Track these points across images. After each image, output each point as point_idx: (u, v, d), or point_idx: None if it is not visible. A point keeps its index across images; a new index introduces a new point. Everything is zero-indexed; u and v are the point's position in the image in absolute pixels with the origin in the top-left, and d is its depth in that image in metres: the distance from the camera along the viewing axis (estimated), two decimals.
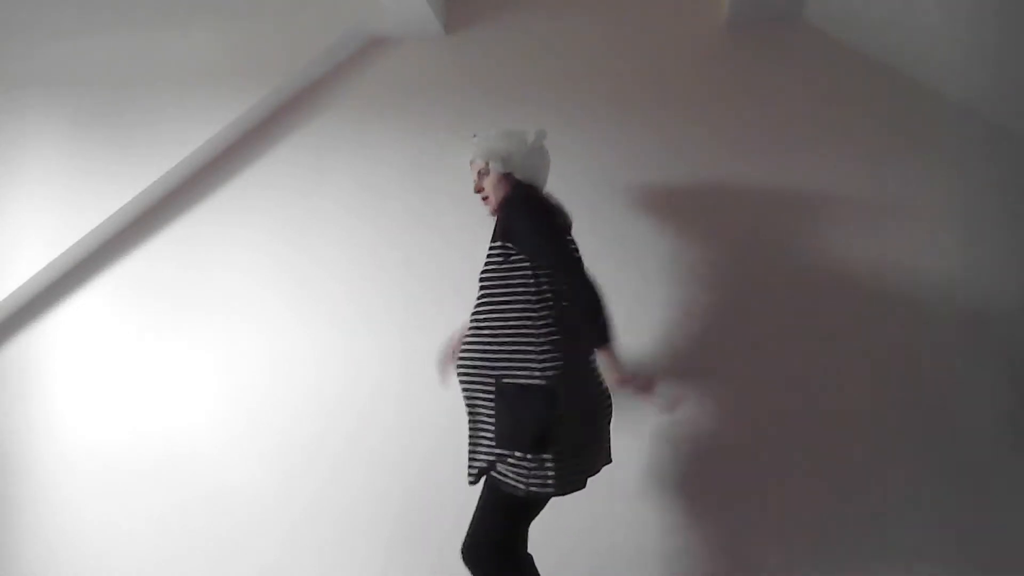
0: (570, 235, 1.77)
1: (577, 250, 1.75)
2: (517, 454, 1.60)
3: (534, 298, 1.67)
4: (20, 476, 2.52)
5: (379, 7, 2.34)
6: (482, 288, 1.75)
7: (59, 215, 2.47)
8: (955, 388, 2.09)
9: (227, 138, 2.50)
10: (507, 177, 1.83)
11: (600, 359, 1.69)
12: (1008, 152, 2.13)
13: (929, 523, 2.06)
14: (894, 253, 2.16)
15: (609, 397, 1.77)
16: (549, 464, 1.58)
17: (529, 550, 1.71)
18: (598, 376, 1.75)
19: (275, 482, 2.39)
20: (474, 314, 1.76)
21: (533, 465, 1.58)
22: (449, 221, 2.39)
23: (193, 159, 2.48)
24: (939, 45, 2.03)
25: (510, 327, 1.67)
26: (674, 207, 2.28)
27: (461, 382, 1.75)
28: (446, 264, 2.37)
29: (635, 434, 2.14)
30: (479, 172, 1.88)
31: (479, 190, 1.89)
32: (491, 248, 1.75)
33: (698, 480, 2.17)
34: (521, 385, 1.63)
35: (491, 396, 1.67)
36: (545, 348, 1.64)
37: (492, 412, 1.67)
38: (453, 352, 1.93)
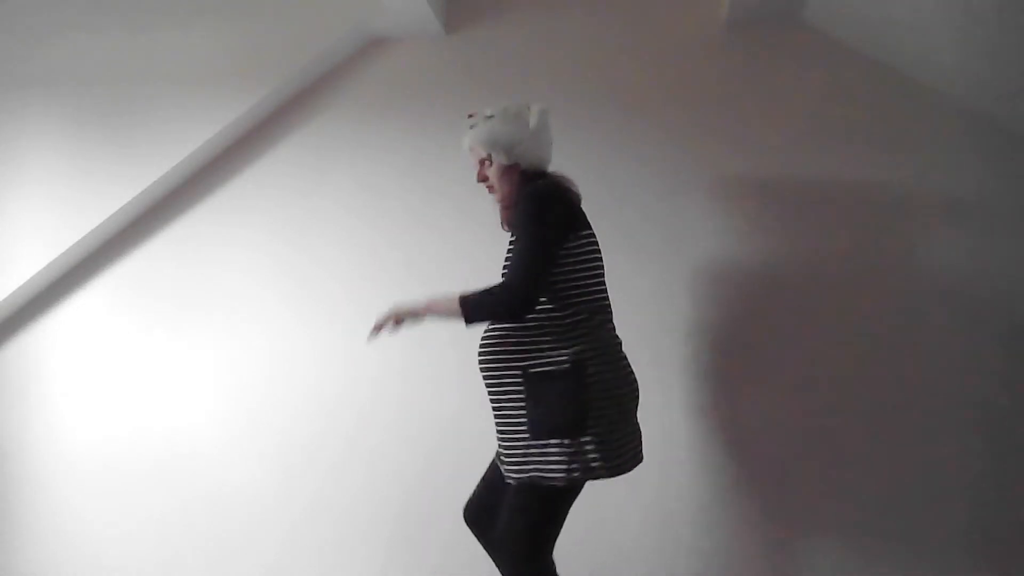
0: (586, 228, 1.70)
1: (594, 246, 1.71)
2: (554, 441, 1.57)
3: (555, 286, 1.63)
4: (20, 476, 2.52)
5: (379, 7, 2.34)
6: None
7: (59, 215, 2.46)
8: (955, 387, 2.09)
9: (227, 138, 2.50)
10: (512, 168, 1.74)
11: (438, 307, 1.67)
12: (1008, 152, 2.13)
13: (929, 522, 2.06)
14: (894, 252, 2.16)
15: (637, 389, 1.73)
16: (589, 447, 1.55)
17: None
18: (626, 361, 1.71)
19: (275, 482, 2.39)
20: None
21: (573, 450, 1.55)
22: (449, 221, 2.39)
23: (193, 159, 2.48)
24: (939, 45, 2.03)
25: (536, 316, 1.63)
26: (674, 207, 2.28)
27: (486, 378, 1.71)
28: (446, 264, 2.37)
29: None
30: (481, 161, 1.79)
31: (483, 179, 1.80)
32: (511, 243, 1.71)
33: (699, 480, 2.17)
34: (548, 372, 1.60)
35: (517, 389, 1.63)
36: (569, 331, 1.61)
37: (523, 406, 1.63)
38: (393, 315, 1.76)
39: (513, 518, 1.63)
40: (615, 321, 1.82)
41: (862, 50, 2.23)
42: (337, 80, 2.52)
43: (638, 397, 1.72)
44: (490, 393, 1.71)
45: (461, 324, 1.63)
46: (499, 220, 1.81)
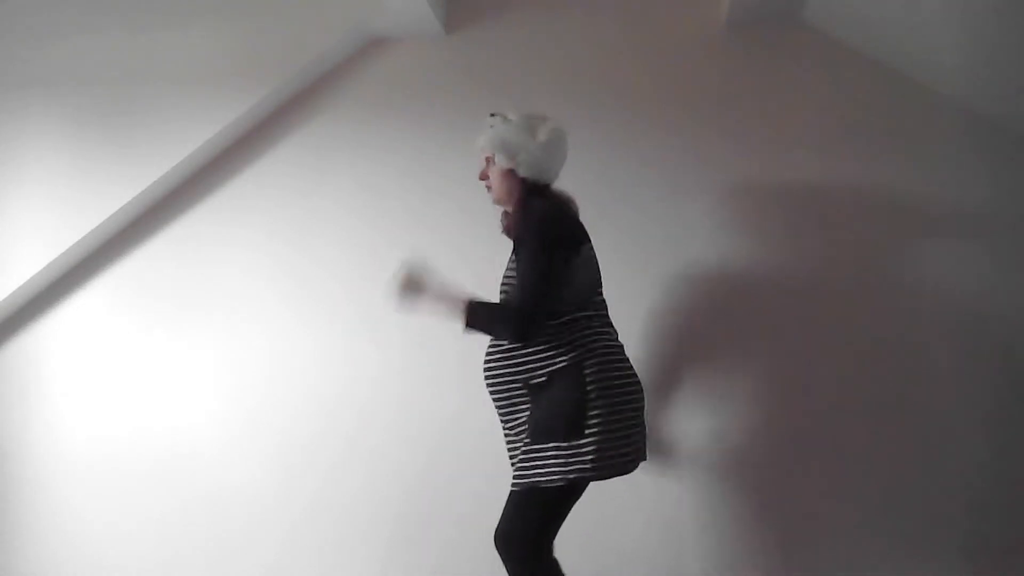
0: (586, 241, 1.74)
1: (593, 259, 1.75)
2: (551, 445, 1.60)
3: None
4: (20, 476, 2.52)
5: (379, 7, 2.34)
6: (503, 292, 1.75)
7: (59, 215, 2.46)
8: (955, 387, 2.09)
9: (227, 138, 2.50)
10: (511, 173, 1.78)
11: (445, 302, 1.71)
12: (1008, 152, 2.13)
13: (929, 524, 2.06)
14: (893, 252, 2.16)
15: (641, 389, 1.75)
16: (586, 448, 1.58)
17: None
18: (626, 364, 1.74)
19: (275, 482, 2.39)
20: None
21: (570, 453, 1.58)
22: (449, 221, 2.39)
23: (193, 159, 2.48)
24: (939, 45, 2.03)
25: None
26: (674, 207, 2.28)
27: (493, 393, 1.75)
28: (445, 265, 2.36)
29: None
30: (487, 159, 1.83)
31: (484, 177, 1.85)
32: (511, 261, 1.76)
33: (700, 480, 2.17)
34: (550, 374, 1.64)
35: (522, 401, 1.68)
36: (565, 339, 1.64)
37: (524, 416, 1.68)
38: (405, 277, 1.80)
39: (515, 522, 1.65)
40: (616, 323, 1.83)
41: (862, 50, 2.23)
42: (337, 80, 2.52)
43: (641, 399, 1.74)
44: (498, 407, 1.75)
45: (457, 325, 1.66)
46: (499, 222, 1.85)
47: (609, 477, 1.63)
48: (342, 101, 2.51)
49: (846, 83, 2.23)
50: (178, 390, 2.48)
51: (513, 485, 1.67)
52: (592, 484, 1.68)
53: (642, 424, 1.76)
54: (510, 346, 1.69)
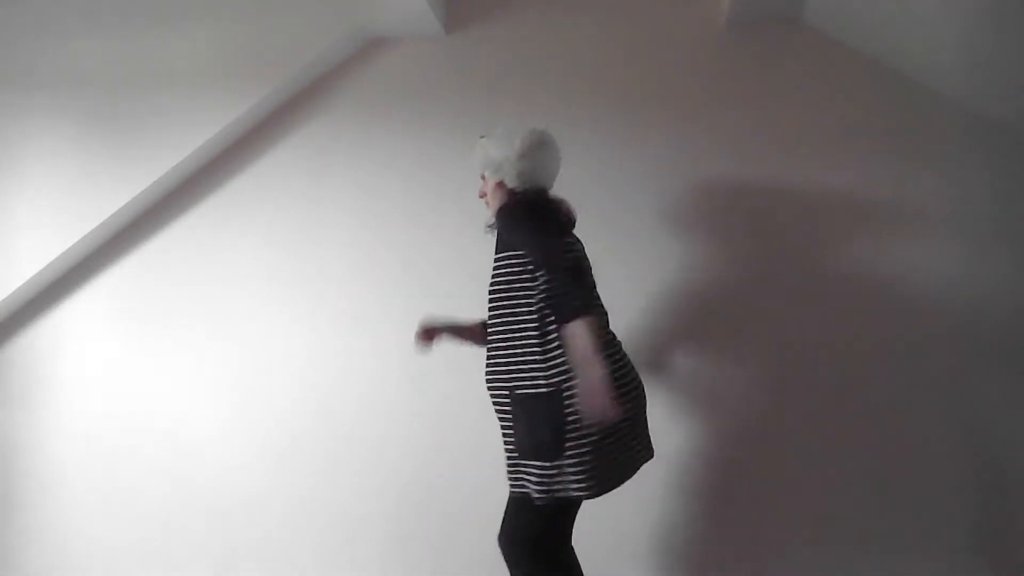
0: (571, 237, 1.74)
1: (579, 251, 1.74)
2: (535, 463, 1.60)
3: (537, 306, 1.65)
4: (20, 476, 2.52)
5: (379, 7, 2.34)
6: (491, 301, 1.75)
7: (60, 215, 2.46)
8: (955, 388, 2.09)
9: (228, 137, 2.50)
10: (501, 185, 1.80)
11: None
12: (1008, 151, 2.13)
13: (928, 525, 2.06)
14: (893, 252, 2.16)
15: (640, 390, 1.74)
16: (570, 470, 1.57)
17: None
18: (626, 370, 1.71)
19: (274, 480, 2.39)
20: (489, 327, 1.76)
21: (553, 472, 1.58)
22: (448, 222, 2.39)
23: (193, 159, 2.48)
24: (939, 45, 2.03)
25: (520, 337, 1.67)
26: (675, 206, 2.28)
27: (489, 394, 1.77)
28: (445, 265, 2.37)
29: None
30: (482, 177, 1.87)
31: (483, 195, 1.87)
32: (496, 260, 1.75)
33: (698, 482, 2.17)
34: (531, 394, 1.63)
35: (508, 408, 1.69)
36: (551, 355, 1.62)
37: (510, 425, 1.68)
38: (425, 331, 1.89)
39: (512, 525, 1.66)
40: (613, 323, 1.82)
41: (862, 50, 2.23)
42: (337, 80, 2.52)
43: (638, 403, 1.73)
44: (496, 410, 1.76)
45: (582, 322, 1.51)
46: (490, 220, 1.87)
47: (598, 495, 1.60)
48: (342, 101, 2.51)
49: (846, 83, 2.23)
50: (178, 388, 2.48)
51: (510, 489, 1.69)
52: None
53: (639, 433, 1.74)
54: (502, 353, 1.69)
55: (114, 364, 2.53)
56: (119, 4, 2.48)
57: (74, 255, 2.52)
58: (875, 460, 2.10)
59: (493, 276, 1.75)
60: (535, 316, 1.65)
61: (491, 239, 1.93)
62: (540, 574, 1.62)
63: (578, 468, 1.57)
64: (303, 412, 2.40)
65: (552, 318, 1.63)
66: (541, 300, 1.65)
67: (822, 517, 2.11)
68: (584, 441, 1.58)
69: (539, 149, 1.78)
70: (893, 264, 2.16)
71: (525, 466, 1.63)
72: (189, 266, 2.52)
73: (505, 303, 1.71)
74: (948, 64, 2.08)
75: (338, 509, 2.35)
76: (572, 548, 1.70)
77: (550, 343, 1.63)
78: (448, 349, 2.30)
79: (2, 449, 2.54)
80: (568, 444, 1.57)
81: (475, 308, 2.12)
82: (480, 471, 2.19)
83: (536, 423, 1.61)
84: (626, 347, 1.80)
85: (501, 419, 1.73)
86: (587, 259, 1.77)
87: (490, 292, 1.76)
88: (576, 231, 1.79)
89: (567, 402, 1.59)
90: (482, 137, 1.85)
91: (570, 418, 1.58)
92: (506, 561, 1.66)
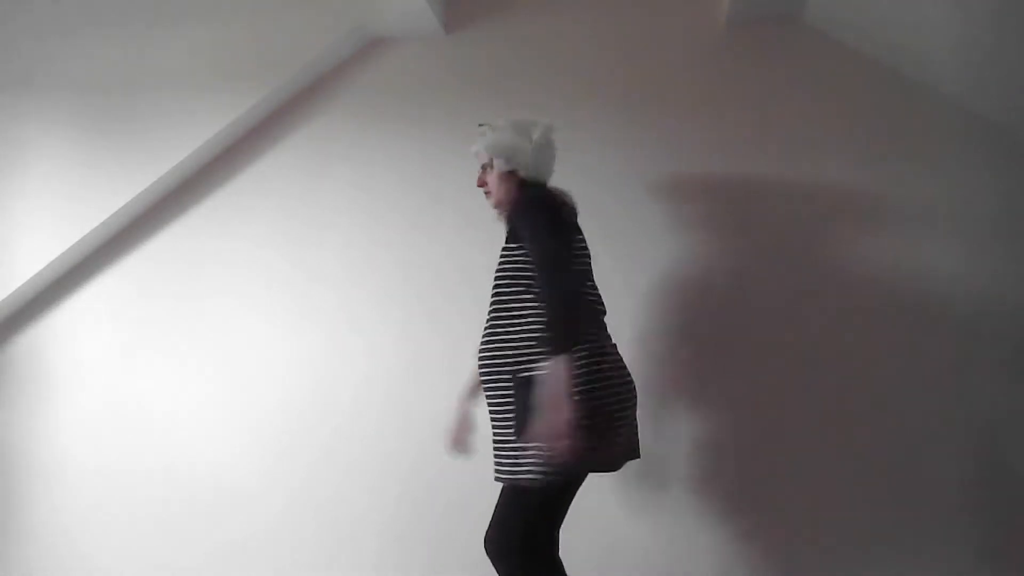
0: (578, 232, 1.75)
1: (585, 249, 1.76)
2: (533, 444, 1.58)
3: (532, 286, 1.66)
4: (20, 476, 2.52)
5: (379, 7, 2.34)
6: (495, 287, 1.75)
7: (59, 215, 2.47)
8: (955, 388, 2.09)
9: (227, 138, 2.50)
10: (511, 175, 1.80)
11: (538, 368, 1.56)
12: (1008, 152, 2.13)
13: (926, 526, 2.06)
14: (894, 252, 2.16)
15: (632, 387, 1.73)
16: (577, 448, 1.55)
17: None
18: (619, 365, 1.71)
19: (273, 480, 2.39)
20: (489, 313, 1.76)
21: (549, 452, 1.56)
22: (447, 222, 2.39)
23: (193, 159, 2.48)
24: (939, 45, 2.03)
25: (525, 322, 1.66)
26: (674, 207, 2.28)
27: (482, 382, 1.75)
28: (443, 266, 2.37)
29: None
30: (483, 166, 1.85)
31: (482, 184, 1.86)
32: (504, 249, 1.75)
33: (694, 481, 2.17)
34: (534, 376, 1.61)
35: (508, 393, 1.66)
36: None
37: (510, 409, 1.65)
38: (456, 435, 1.94)
39: (503, 515, 1.64)
40: (611, 322, 1.82)
41: (862, 50, 2.23)
42: (337, 80, 2.52)
43: (629, 395, 1.71)
44: (486, 396, 1.74)
45: (562, 359, 1.51)
46: (495, 216, 1.87)
47: (593, 472, 1.61)
48: (342, 101, 2.51)
49: (846, 83, 2.23)
50: (177, 388, 2.48)
51: (496, 478, 1.67)
52: (592, 484, 1.67)
53: (630, 421, 1.73)
54: (506, 337, 1.68)
55: (113, 364, 2.53)
56: (119, 4, 2.49)
57: (74, 255, 2.52)
58: (876, 460, 2.10)
59: (501, 263, 1.74)
60: (526, 300, 1.66)
61: (490, 239, 1.94)
62: (532, 570, 1.60)
63: (586, 441, 1.56)
64: (300, 411, 2.40)
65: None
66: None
67: (822, 517, 2.10)
68: (584, 420, 1.56)
69: (551, 143, 1.84)
70: (893, 264, 2.16)
71: (522, 449, 1.61)
72: (188, 266, 2.52)
73: (509, 289, 1.70)
74: (948, 64, 2.07)
75: (335, 508, 2.35)
76: (559, 560, 1.66)
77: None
78: (444, 350, 2.30)
79: (1, 449, 2.55)
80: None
81: (473, 308, 2.12)
82: (476, 469, 2.18)
83: (537, 404, 1.58)
84: (620, 346, 1.80)
85: (495, 405, 1.70)
86: (588, 253, 1.78)
87: (496, 279, 1.75)
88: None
89: (572, 382, 1.56)
90: (482, 126, 1.85)
91: (575, 397, 1.56)
92: (495, 562, 1.63)
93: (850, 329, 2.15)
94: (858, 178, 2.19)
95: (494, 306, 1.74)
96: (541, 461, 1.57)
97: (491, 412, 1.73)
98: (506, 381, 1.67)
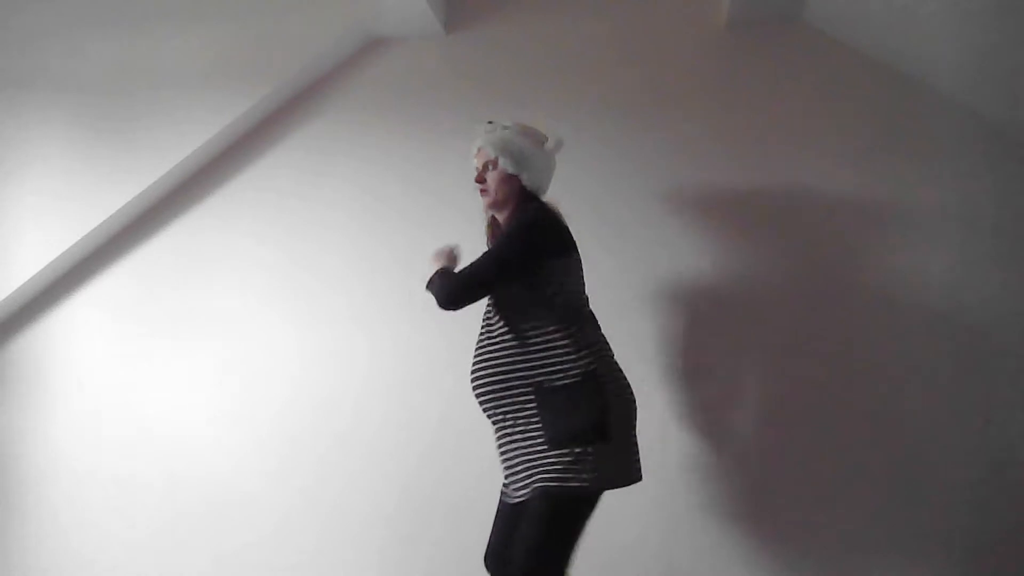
0: (575, 252, 1.75)
1: (579, 265, 1.76)
2: (577, 450, 1.57)
3: (548, 298, 1.67)
4: (19, 479, 2.52)
5: (379, 7, 2.34)
6: (499, 305, 1.74)
7: (59, 216, 2.47)
8: (955, 390, 2.09)
9: (228, 137, 2.50)
10: (513, 180, 1.76)
11: None
12: (1008, 152, 2.12)
13: (924, 529, 2.06)
14: (894, 253, 2.16)
15: (629, 399, 1.73)
16: (613, 452, 1.60)
17: None
18: (616, 377, 1.72)
19: (272, 481, 2.39)
20: (488, 325, 1.75)
21: (593, 456, 1.57)
22: (448, 223, 2.38)
23: (194, 159, 2.48)
24: (940, 45, 2.03)
25: (542, 334, 1.65)
26: (674, 207, 2.28)
27: (487, 396, 1.71)
28: None
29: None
30: (486, 163, 1.79)
31: (480, 180, 1.81)
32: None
33: (693, 486, 2.17)
34: (564, 384, 1.62)
35: (529, 405, 1.64)
36: (577, 344, 1.64)
37: (537, 420, 1.63)
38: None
39: (528, 532, 1.58)
40: (608, 327, 1.83)
41: (862, 50, 2.23)
42: (337, 80, 2.52)
43: (631, 416, 1.74)
44: (494, 411, 1.70)
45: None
46: (487, 231, 1.89)
47: (626, 484, 1.65)
48: (342, 101, 2.51)
49: (846, 83, 2.23)
50: (177, 388, 2.48)
51: (518, 497, 1.64)
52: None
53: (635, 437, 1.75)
54: (520, 352, 1.66)
55: (113, 364, 2.52)
56: (119, 4, 2.49)
57: (74, 255, 2.52)
58: (876, 461, 2.10)
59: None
60: (558, 311, 1.67)
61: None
62: None
63: (618, 454, 1.61)
64: (302, 413, 2.40)
65: (572, 312, 1.69)
66: (558, 293, 1.69)
67: (822, 518, 2.10)
68: (621, 423, 1.63)
69: (554, 158, 1.84)
70: (893, 264, 2.15)
71: (557, 456, 1.58)
72: (189, 266, 2.52)
73: (514, 299, 1.70)
74: (948, 64, 2.07)
75: (336, 510, 2.34)
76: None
77: (576, 331, 1.66)
78: (447, 350, 2.30)
79: (1, 449, 2.54)
80: (611, 426, 1.60)
81: (474, 308, 2.11)
82: (480, 472, 2.18)
83: (575, 412, 1.60)
84: (620, 351, 1.79)
85: (510, 418, 1.67)
86: (581, 274, 1.78)
87: (499, 295, 1.74)
88: (574, 231, 1.79)
89: (607, 387, 1.63)
90: (490, 123, 1.82)
91: (611, 402, 1.62)
92: None
93: (849, 329, 2.15)
94: (858, 177, 2.19)
95: (495, 318, 1.73)
96: (587, 466, 1.56)
97: (504, 428, 1.69)
98: (527, 394, 1.64)
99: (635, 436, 1.71)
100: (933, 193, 2.15)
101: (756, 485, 2.14)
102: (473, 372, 1.75)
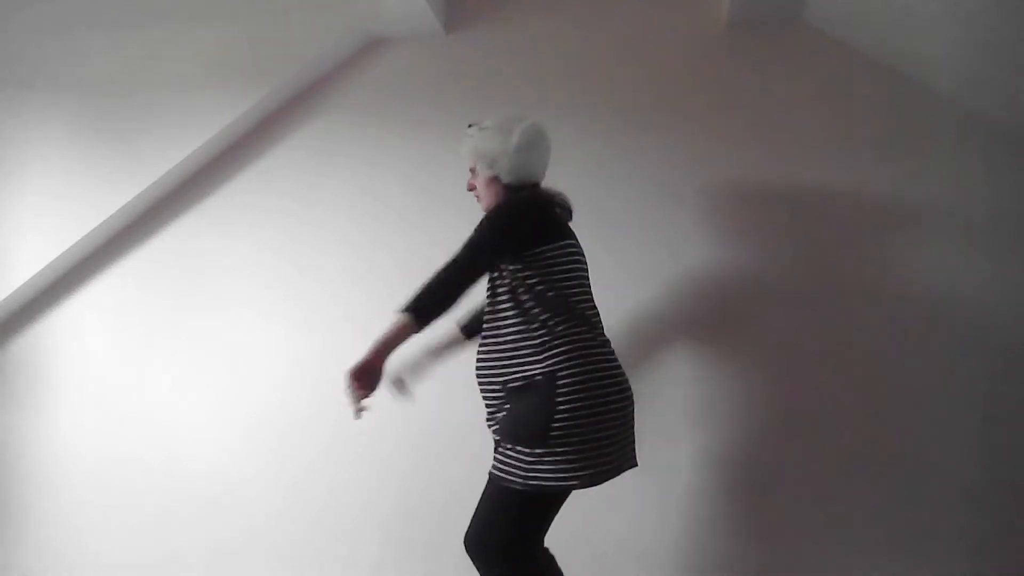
0: (567, 237, 1.72)
1: (575, 254, 1.72)
2: (512, 451, 1.59)
3: (524, 298, 1.65)
4: (19, 477, 2.52)
5: (379, 7, 2.34)
6: (486, 299, 1.75)
7: (59, 216, 2.47)
8: (954, 389, 2.09)
9: (228, 138, 2.50)
10: (494, 180, 1.77)
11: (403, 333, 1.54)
12: (1008, 151, 2.12)
13: (923, 527, 2.06)
14: (893, 252, 2.16)
15: (631, 393, 1.71)
16: (549, 460, 1.54)
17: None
18: (615, 370, 1.68)
19: (271, 481, 2.39)
20: (484, 319, 1.75)
21: (531, 460, 1.55)
22: (446, 223, 2.38)
23: (193, 159, 2.48)
24: (940, 45, 2.03)
25: (509, 333, 1.66)
26: (674, 207, 2.28)
27: (480, 390, 1.75)
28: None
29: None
30: (471, 169, 1.83)
31: (472, 188, 1.85)
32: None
33: (695, 481, 2.17)
34: (524, 385, 1.62)
35: (503, 401, 1.67)
36: (543, 343, 1.61)
37: (500, 415, 1.67)
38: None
39: (487, 511, 1.63)
40: (608, 325, 1.81)
41: (862, 50, 2.23)
42: (337, 80, 2.52)
43: (624, 408, 1.67)
44: (485, 405, 1.75)
45: (418, 334, 1.56)
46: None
47: (571, 490, 1.58)
48: (342, 101, 2.51)
49: (846, 83, 2.23)
50: (176, 388, 2.48)
51: (490, 472, 1.67)
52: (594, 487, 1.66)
53: (625, 434, 1.68)
54: (494, 349, 1.68)
55: (113, 364, 2.53)
56: (119, 4, 2.48)
57: (74, 255, 2.52)
58: (876, 461, 2.10)
59: (490, 275, 1.74)
60: (523, 310, 1.65)
61: None
62: (511, 570, 1.59)
63: (562, 459, 1.54)
64: (299, 410, 2.40)
65: (543, 309, 1.63)
66: (535, 295, 1.65)
67: (823, 518, 2.10)
68: (566, 434, 1.55)
69: (536, 141, 1.76)
70: (893, 264, 2.15)
71: (505, 452, 1.61)
72: (188, 266, 2.52)
73: (494, 301, 1.70)
74: (948, 64, 2.07)
75: (331, 507, 2.35)
76: (548, 551, 1.66)
77: (540, 330, 1.62)
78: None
79: (2, 447, 2.54)
80: (554, 434, 1.55)
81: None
82: (474, 469, 2.17)
83: (525, 411, 1.60)
84: (621, 350, 1.80)
85: (491, 409, 1.71)
86: (583, 259, 1.76)
87: (487, 289, 1.75)
88: (574, 231, 1.79)
89: (561, 391, 1.57)
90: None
91: (561, 407, 1.56)
92: (476, 562, 1.62)
93: (849, 328, 2.15)
94: (857, 177, 2.19)
95: (484, 318, 1.74)
96: (521, 466, 1.57)
97: (488, 417, 1.73)
98: (498, 390, 1.67)
99: (601, 439, 1.60)
100: (933, 193, 2.15)
101: (756, 485, 2.14)
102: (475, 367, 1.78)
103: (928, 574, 2.04)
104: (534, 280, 1.65)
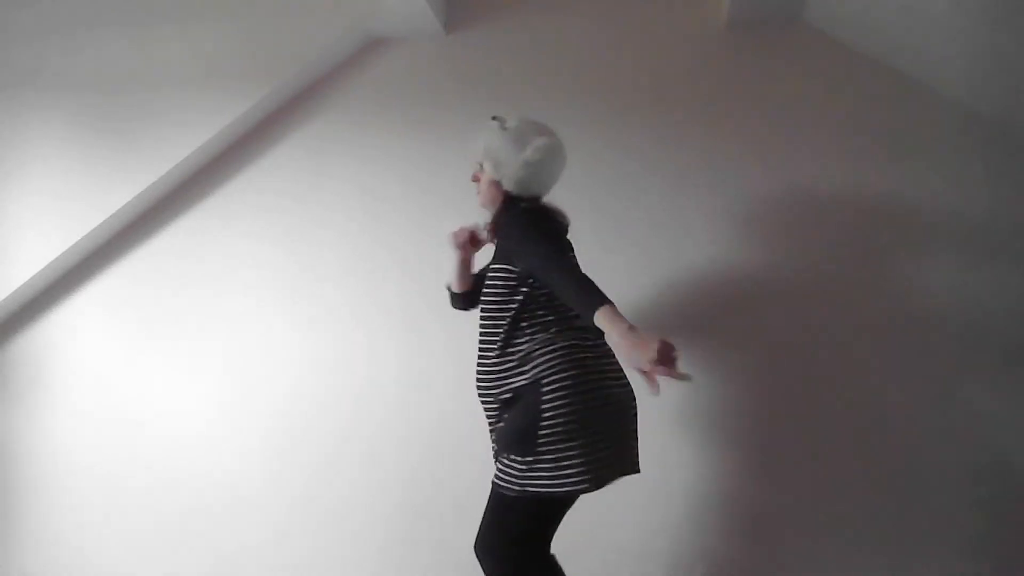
0: (570, 249, 1.72)
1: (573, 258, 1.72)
2: (506, 459, 1.61)
3: (526, 313, 1.66)
4: (19, 478, 2.52)
5: (379, 7, 2.34)
6: (482, 309, 1.75)
7: (59, 216, 2.47)
8: (953, 390, 2.09)
9: (227, 138, 2.50)
10: (496, 184, 1.76)
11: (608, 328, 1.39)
12: (1009, 153, 2.12)
13: (923, 527, 2.06)
14: (894, 252, 2.16)
15: (630, 398, 1.69)
16: (539, 466, 1.54)
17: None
18: (616, 375, 1.67)
19: (272, 482, 2.39)
20: (479, 335, 1.75)
21: (523, 468, 1.56)
22: (447, 223, 2.37)
23: (193, 159, 2.48)
24: (940, 45, 2.03)
25: (499, 347, 1.67)
26: (674, 208, 2.28)
27: (480, 400, 1.77)
28: (442, 267, 2.36)
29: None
30: (479, 162, 1.81)
31: (476, 180, 1.84)
32: (491, 269, 1.74)
33: (697, 481, 2.17)
34: (512, 396, 1.64)
35: (498, 413, 1.70)
36: (528, 355, 1.62)
37: (496, 425, 1.71)
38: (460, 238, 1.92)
39: (490, 525, 1.65)
40: None
41: (862, 50, 2.23)
42: (337, 80, 2.52)
43: (622, 413, 1.66)
44: (484, 412, 1.77)
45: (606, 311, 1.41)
46: (486, 229, 1.84)
47: (569, 496, 1.58)
48: (342, 101, 2.51)
49: (846, 83, 2.23)
50: (176, 388, 2.48)
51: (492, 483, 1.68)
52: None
53: (622, 438, 1.67)
54: (488, 362, 1.70)
55: (113, 364, 2.52)
56: (119, 4, 2.49)
57: (74, 255, 2.52)
58: (876, 462, 2.10)
59: (487, 283, 1.74)
60: (509, 323, 1.65)
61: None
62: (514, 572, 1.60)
63: (549, 465, 1.54)
64: (302, 413, 2.40)
65: (537, 317, 1.65)
66: (536, 309, 1.66)
67: (824, 519, 2.10)
68: (560, 438, 1.54)
69: (549, 160, 1.72)
70: (893, 264, 2.15)
71: (502, 460, 1.63)
72: (188, 266, 2.52)
73: (490, 314, 1.71)
74: (948, 63, 2.07)
75: (335, 509, 2.34)
76: (553, 557, 1.65)
77: (527, 342, 1.63)
78: (446, 350, 2.30)
79: (2, 448, 2.54)
80: (541, 440, 1.54)
81: (474, 308, 2.11)
82: (480, 475, 2.18)
83: (513, 419, 1.62)
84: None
85: (489, 420, 1.75)
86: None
87: (482, 301, 1.75)
88: (575, 232, 1.79)
89: (545, 397, 1.56)
90: (494, 119, 1.77)
91: (546, 414, 1.55)
92: (483, 566, 1.64)
93: (849, 328, 2.15)
94: (858, 178, 2.19)
95: (482, 327, 1.74)
96: (513, 473, 1.58)
97: (489, 427, 1.76)
98: (493, 401, 1.70)
99: (594, 444, 1.57)
100: (933, 193, 2.15)
101: (756, 485, 2.14)
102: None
103: (928, 574, 2.04)
104: (525, 295, 1.66)
